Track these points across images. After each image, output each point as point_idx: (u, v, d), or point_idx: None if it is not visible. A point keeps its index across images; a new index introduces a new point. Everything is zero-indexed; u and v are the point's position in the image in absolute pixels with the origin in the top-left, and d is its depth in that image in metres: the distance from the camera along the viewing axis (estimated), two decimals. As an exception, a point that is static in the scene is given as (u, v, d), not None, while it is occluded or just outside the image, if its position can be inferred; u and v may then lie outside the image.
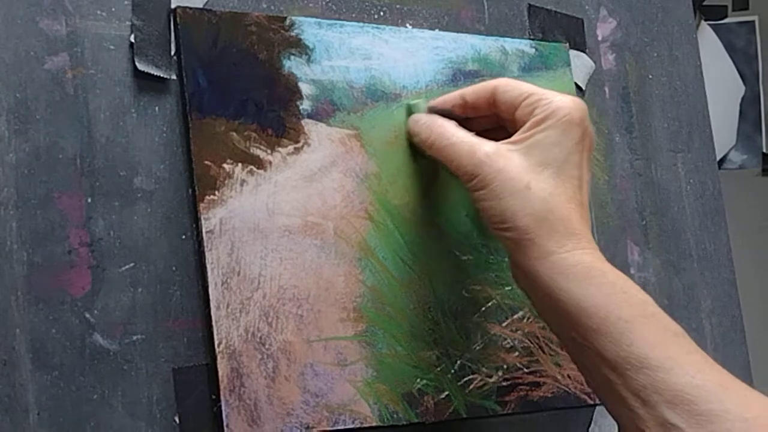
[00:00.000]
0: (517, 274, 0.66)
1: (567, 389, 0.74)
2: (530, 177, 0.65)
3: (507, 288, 0.73)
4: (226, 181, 0.63)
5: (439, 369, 0.69)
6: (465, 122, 0.69)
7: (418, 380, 0.68)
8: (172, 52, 0.64)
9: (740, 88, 2.37)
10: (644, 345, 0.61)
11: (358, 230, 0.68)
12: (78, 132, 0.61)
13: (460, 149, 0.67)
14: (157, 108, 0.64)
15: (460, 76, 0.74)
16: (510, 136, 0.67)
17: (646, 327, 0.62)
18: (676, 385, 0.60)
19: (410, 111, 0.71)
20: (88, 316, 0.59)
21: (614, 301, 0.62)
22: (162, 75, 0.63)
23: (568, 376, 0.74)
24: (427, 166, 0.71)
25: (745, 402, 0.59)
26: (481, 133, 0.68)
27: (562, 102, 0.66)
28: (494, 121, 0.70)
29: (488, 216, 0.66)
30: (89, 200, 0.60)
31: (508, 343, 0.73)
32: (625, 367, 0.61)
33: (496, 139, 0.67)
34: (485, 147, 0.66)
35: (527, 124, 0.66)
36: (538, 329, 0.74)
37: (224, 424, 0.60)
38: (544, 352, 0.74)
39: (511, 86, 0.68)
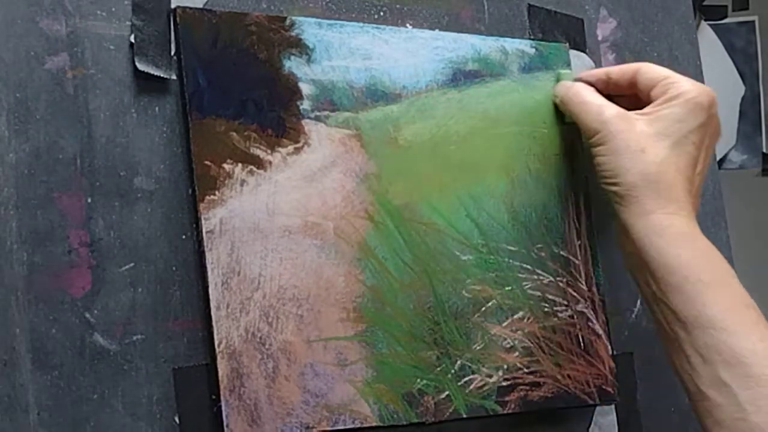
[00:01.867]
0: (617, 230, 0.73)
1: (567, 389, 0.74)
2: (647, 143, 0.71)
3: (507, 288, 0.73)
4: (226, 181, 0.63)
5: (439, 369, 0.69)
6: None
7: (418, 380, 0.68)
8: (172, 52, 0.64)
9: (740, 88, 2.36)
10: (715, 308, 0.67)
11: (358, 230, 0.67)
12: (78, 132, 0.61)
13: (590, 107, 0.74)
14: (157, 108, 0.63)
15: (460, 76, 0.74)
16: None
17: (721, 292, 0.67)
18: (736, 347, 0.65)
19: (559, 78, 0.78)
20: (88, 316, 0.59)
21: (697, 264, 0.68)
22: (162, 75, 0.63)
23: (568, 376, 0.74)
24: (427, 165, 0.71)
25: None
26: None
27: (694, 86, 0.74)
28: (631, 104, 0.76)
29: (602, 170, 0.73)
30: (89, 200, 0.60)
31: (508, 343, 0.73)
32: (694, 325, 0.67)
33: None
34: (613, 109, 0.73)
35: (659, 100, 0.73)
36: (538, 329, 0.74)
37: (224, 424, 0.60)
38: (544, 352, 0.74)
39: (651, 68, 0.76)
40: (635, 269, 0.72)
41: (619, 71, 0.77)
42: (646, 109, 0.74)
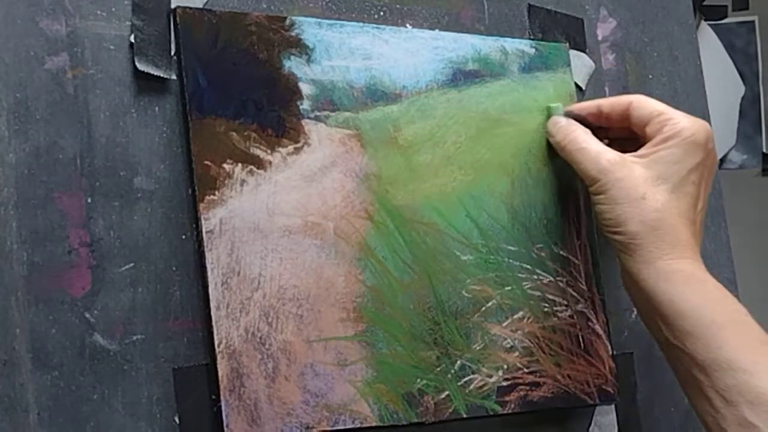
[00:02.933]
0: (623, 276, 0.73)
1: (567, 389, 0.74)
2: (647, 189, 0.70)
3: (507, 288, 0.73)
4: (226, 181, 0.63)
5: (439, 369, 0.69)
6: (597, 131, 0.75)
7: (418, 380, 0.68)
8: (172, 52, 0.64)
9: (740, 88, 2.36)
10: (732, 349, 0.66)
11: (358, 230, 0.67)
12: (78, 132, 0.61)
13: (587, 155, 0.73)
14: (157, 108, 0.63)
15: (460, 76, 0.74)
16: (637, 149, 0.73)
17: (736, 332, 0.67)
18: (759, 387, 0.64)
19: (549, 112, 0.77)
20: (88, 316, 0.59)
21: (709, 307, 0.67)
22: (162, 75, 0.63)
23: (568, 376, 0.74)
24: (427, 165, 0.71)
25: None
26: (611, 143, 0.75)
27: (689, 123, 0.72)
28: (625, 134, 0.76)
29: (603, 219, 0.72)
30: (89, 200, 0.60)
31: (508, 343, 0.73)
32: (713, 368, 0.66)
33: (624, 151, 0.73)
34: (610, 155, 0.72)
35: (654, 140, 0.72)
36: (538, 329, 0.74)
37: (224, 424, 0.60)
38: (544, 352, 0.74)
39: (644, 103, 0.74)
40: (646, 316, 0.72)
41: (610, 104, 0.76)
42: (642, 151, 0.73)
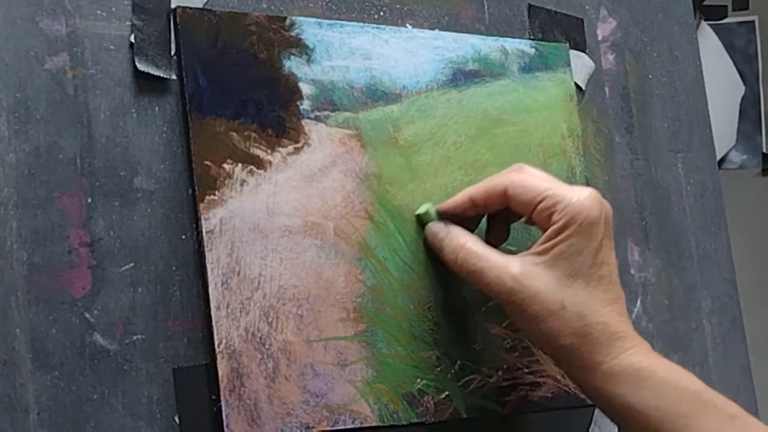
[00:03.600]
0: (571, 377, 0.68)
1: (567, 389, 0.74)
2: (562, 295, 0.65)
3: (507, 288, 0.73)
4: (226, 181, 0.63)
5: (439, 369, 0.69)
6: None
7: (418, 380, 0.68)
8: (172, 52, 0.64)
9: (740, 88, 2.36)
10: None
11: (358, 230, 0.67)
12: (78, 132, 0.61)
13: (488, 277, 0.66)
14: (157, 108, 0.63)
15: (460, 75, 0.74)
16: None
17: (704, 417, 0.63)
18: None
19: (421, 220, 0.70)
20: (88, 316, 0.59)
21: (668, 400, 0.64)
22: (162, 75, 0.63)
23: (568, 376, 0.74)
24: (427, 165, 0.71)
25: None
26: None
27: (579, 204, 0.65)
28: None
29: (531, 337, 0.68)
30: (89, 200, 0.60)
31: (508, 343, 0.73)
32: None
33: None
34: (512, 270, 0.65)
35: (548, 232, 0.66)
36: (538, 329, 0.74)
37: (224, 424, 0.60)
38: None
39: (522, 188, 0.67)
40: (610, 416, 0.67)
41: (483, 194, 0.69)
42: (539, 247, 0.66)
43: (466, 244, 0.68)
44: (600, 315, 0.65)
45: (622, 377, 0.64)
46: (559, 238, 0.65)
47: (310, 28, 0.68)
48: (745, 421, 0.64)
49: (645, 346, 0.66)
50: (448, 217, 0.70)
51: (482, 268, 0.66)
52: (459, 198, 0.70)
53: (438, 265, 0.70)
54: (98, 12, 0.62)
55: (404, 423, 0.67)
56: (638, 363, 0.65)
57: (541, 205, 0.66)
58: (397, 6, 0.75)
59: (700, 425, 0.63)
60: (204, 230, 0.62)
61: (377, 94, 0.70)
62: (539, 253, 0.66)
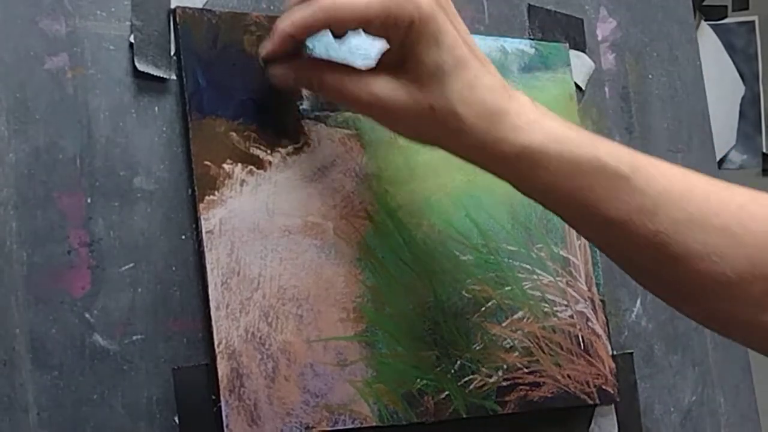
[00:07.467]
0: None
1: (567, 389, 0.74)
2: (427, 99, 0.62)
3: (507, 288, 0.73)
4: (226, 181, 0.63)
5: (439, 369, 0.69)
6: None
7: (418, 380, 0.68)
8: (172, 52, 0.64)
9: (740, 88, 2.37)
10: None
11: (358, 230, 0.68)
12: (78, 132, 0.61)
13: (359, 106, 0.63)
14: (157, 108, 0.64)
15: (460, 76, 0.74)
16: None
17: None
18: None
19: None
20: (88, 316, 0.59)
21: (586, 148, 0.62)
22: (162, 75, 0.63)
23: (568, 376, 0.74)
24: (427, 165, 0.71)
25: None
26: None
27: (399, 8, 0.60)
28: None
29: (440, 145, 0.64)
30: (89, 200, 0.60)
31: (508, 343, 0.73)
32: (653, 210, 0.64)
33: None
34: (373, 95, 0.62)
35: (390, 46, 0.63)
36: (538, 329, 0.74)
37: (224, 424, 0.60)
38: (544, 352, 0.74)
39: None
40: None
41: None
42: (387, 57, 0.63)
43: (318, 67, 0.64)
44: (470, 102, 0.62)
45: (519, 163, 0.63)
46: (403, 47, 0.62)
47: (310, 28, 0.68)
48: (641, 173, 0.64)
49: (531, 114, 0.63)
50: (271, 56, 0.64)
51: (350, 90, 0.63)
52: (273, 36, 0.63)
53: (438, 265, 0.70)
54: (98, 12, 0.62)
55: (404, 423, 0.67)
56: (530, 144, 0.62)
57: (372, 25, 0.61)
58: (397, 6, 0.74)
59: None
60: (204, 230, 0.62)
61: (377, 94, 0.70)
62: (393, 70, 0.63)
